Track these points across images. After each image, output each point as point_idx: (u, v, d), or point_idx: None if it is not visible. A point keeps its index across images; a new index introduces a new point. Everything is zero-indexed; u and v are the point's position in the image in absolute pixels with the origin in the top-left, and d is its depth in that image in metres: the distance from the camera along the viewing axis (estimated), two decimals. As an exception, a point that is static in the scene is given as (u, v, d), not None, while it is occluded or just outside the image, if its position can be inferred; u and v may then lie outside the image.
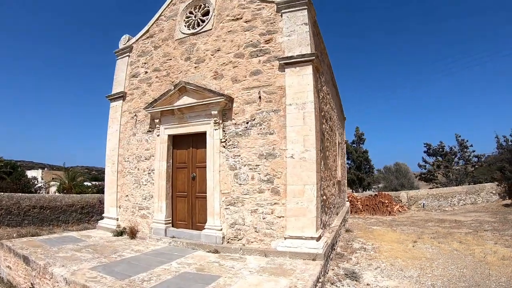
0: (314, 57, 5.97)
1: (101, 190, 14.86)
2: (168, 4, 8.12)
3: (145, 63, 8.13)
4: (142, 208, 7.49)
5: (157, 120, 7.34)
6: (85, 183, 16.50)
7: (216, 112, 6.50)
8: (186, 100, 6.95)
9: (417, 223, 11.17)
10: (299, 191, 5.68)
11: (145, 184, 7.50)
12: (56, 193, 12.92)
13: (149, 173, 7.47)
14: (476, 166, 15.39)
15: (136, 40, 8.44)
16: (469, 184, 14.25)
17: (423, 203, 14.27)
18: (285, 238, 5.64)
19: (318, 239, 5.55)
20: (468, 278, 5.30)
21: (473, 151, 15.96)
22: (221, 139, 6.52)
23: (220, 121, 6.54)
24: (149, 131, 7.65)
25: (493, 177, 12.70)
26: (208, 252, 5.95)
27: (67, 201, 8.80)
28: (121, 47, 8.66)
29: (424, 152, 17.63)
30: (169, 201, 7.16)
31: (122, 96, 8.24)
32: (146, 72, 8.04)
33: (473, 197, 12.53)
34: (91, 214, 9.43)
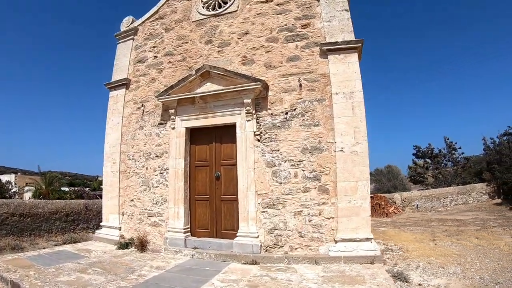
0: (360, 44, 5.61)
1: (80, 196, 13.24)
2: (182, -17, 7.32)
3: (153, 47, 7.21)
4: (152, 214, 6.47)
5: (172, 111, 6.45)
6: (63, 188, 14.70)
7: (249, 101, 5.83)
8: (210, 87, 6.18)
9: (420, 223, 11.22)
10: (351, 188, 5.20)
11: (156, 186, 6.51)
12: (32, 199, 11.17)
13: (161, 173, 6.51)
14: (465, 168, 16.16)
15: (143, 22, 7.50)
16: (457, 185, 14.83)
17: (417, 204, 14.55)
18: (336, 242, 5.11)
19: (372, 239, 5.09)
20: (510, 270, 5.17)
21: (462, 153, 16.88)
22: (255, 132, 5.84)
23: (253, 111, 5.87)
24: (161, 123, 6.71)
25: (482, 177, 13.35)
26: (245, 264, 5.19)
27: (50, 208, 7.45)
28: (123, 29, 7.65)
29: (413, 154, 18.30)
30: (187, 205, 6.25)
31: (125, 83, 7.21)
32: (156, 57, 7.12)
33: (464, 197, 13.01)
34: (76, 222, 8.13)
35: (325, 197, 5.32)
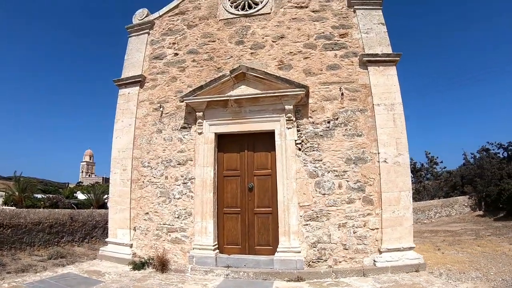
0: (398, 58, 5.97)
1: (55, 204, 11.83)
2: (206, -21, 7.14)
3: (173, 44, 6.86)
4: (173, 230, 6.02)
5: (199, 114, 6.15)
6: (36, 195, 13.01)
7: (290, 107, 5.82)
8: (245, 90, 6.05)
9: (414, 235, 11.95)
10: (394, 198, 5.44)
11: (179, 198, 6.09)
12: (2, 207, 9.74)
13: (184, 183, 6.12)
14: (447, 181, 17.74)
15: (160, 16, 7.11)
16: (440, 198, 16.22)
17: (400, 217, 15.50)
18: (381, 252, 5.28)
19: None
20: (526, 272, 5.81)
21: (444, 167, 18.57)
22: (296, 140, 5.81)
23: (294, 119, 5.85)
24: (184, 127, 6.35)
25: (463, 190, 14.81)
26: (290, 281, 5.11)
27: (32, 218, 6.61)
28: (136, 22, 7.16)
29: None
30: (216, 219, 5.94)
31: (139, 81, 6.70)
32: (177, 54, 6.77)
33: (447, 210, 14.30)
34: (61, 234, 7.35)
35: (370, 208, 5.47)
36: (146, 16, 7.20)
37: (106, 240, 6.46)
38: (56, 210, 8.29)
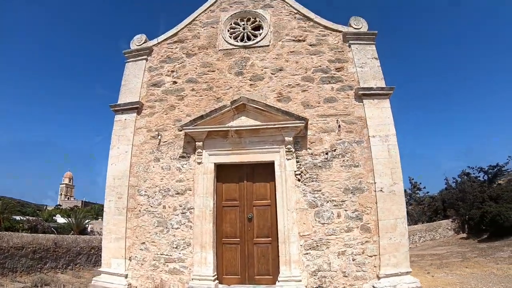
0: (391, 91, 6.41)
1: (35, 227, 11.34)
2: (205, 10, 7.51)
3: (172, 71, 7.06)
4: (171, 260, 6.03)
5: (199, 143, 6.31)
6: (15, 217, 12.42)
7: (290, 139, 6.10)
8: (245, 121, 6.29)
9: (400, 259, 12.32)
10: (391, 225, 5.76)
11: (177, 228, 6.15)
12: None
13: (183, 213, 6.19)
14: (430, 206, 18.46)
15: (158, 43, 7.32)
16: (423, 223, 16.85)
17: (386, 241, 15.92)
18: (380, 278, 5.54)
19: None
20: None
21: (427, 192, 19.37)
22: (295, 171, 6.05)
23: (293, 150, 6.12)
24: (183, 156, 6.47)
25: (446, 214, 15.48)
26: (291, 309, 5.20)
27: (15, 242, 6.54)
28: (134, 47, 7.32)
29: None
30: (215, 249, 6.02)
31: (136, 107, 6.81)
32: (175, 82, 6.96)
33: (431, 234, 14.87)
34: (44, 260, 7.25)
35: (368, 236, 5.74)
36: (144, 42, 7.39)
37: (99, 269, 6.35)
38: (40, 235, 8.17)
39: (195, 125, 6.30)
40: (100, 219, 26.33)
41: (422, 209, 18.51)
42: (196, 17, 7.46)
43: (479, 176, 15.88)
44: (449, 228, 14.94)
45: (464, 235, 14.10)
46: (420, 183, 20.26)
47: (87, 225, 14.66)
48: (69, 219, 14.43)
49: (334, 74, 6.65)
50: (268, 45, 6.97)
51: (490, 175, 15.57)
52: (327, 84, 6.58)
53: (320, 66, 6.72)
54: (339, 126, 6.26)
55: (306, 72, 6.69)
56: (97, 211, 35.14)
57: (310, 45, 6.90)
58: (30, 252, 7.00)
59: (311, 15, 7.15)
